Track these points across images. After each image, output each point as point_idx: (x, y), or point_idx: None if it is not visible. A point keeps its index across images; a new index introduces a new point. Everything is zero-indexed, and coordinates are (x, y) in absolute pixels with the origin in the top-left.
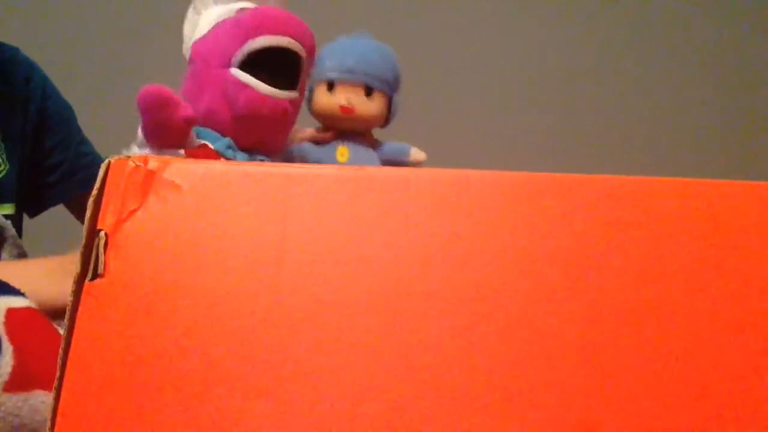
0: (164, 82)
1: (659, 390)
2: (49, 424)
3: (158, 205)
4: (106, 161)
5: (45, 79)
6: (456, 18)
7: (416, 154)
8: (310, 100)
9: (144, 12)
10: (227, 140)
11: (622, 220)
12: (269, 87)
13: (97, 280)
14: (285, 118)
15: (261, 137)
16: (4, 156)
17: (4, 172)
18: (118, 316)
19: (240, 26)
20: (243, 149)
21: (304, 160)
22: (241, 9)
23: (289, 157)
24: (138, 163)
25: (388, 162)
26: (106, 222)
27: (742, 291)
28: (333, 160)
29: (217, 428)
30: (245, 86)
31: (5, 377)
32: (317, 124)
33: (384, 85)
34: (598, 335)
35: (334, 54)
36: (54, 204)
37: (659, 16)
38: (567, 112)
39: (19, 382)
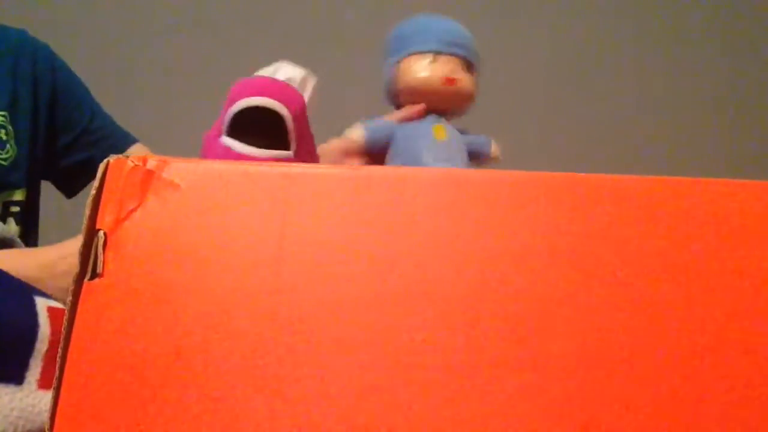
0: (163, 81)
1: (659, 390)
2: (48, 423)
3: (157, 205)
4: (105, 161)
5: (53, 55)
6: (456, 17)
7: (496, 149)
8: (393, 80)
9: (144, 13)
10: None
11: (622, 220)
12: (248, 147)
13: (96, 280)
14: None
15: None
16: (12, 141)
17: (13, 157)
18: (117, 316)
19: (228, 96)
20: None
21: (388, 136)
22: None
23: (375, 136)
24: (137, 163)
25: (471, 151)
26: (105, 221)
27: (743, 290)
28: (430, 138)
29: (217, 428)
30: (227, 149)
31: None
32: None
33: (478, 63)
34: (599, 335)
35: (428, 28)
36: (88, 180)
37: (660, 15)
38: (567, 112)
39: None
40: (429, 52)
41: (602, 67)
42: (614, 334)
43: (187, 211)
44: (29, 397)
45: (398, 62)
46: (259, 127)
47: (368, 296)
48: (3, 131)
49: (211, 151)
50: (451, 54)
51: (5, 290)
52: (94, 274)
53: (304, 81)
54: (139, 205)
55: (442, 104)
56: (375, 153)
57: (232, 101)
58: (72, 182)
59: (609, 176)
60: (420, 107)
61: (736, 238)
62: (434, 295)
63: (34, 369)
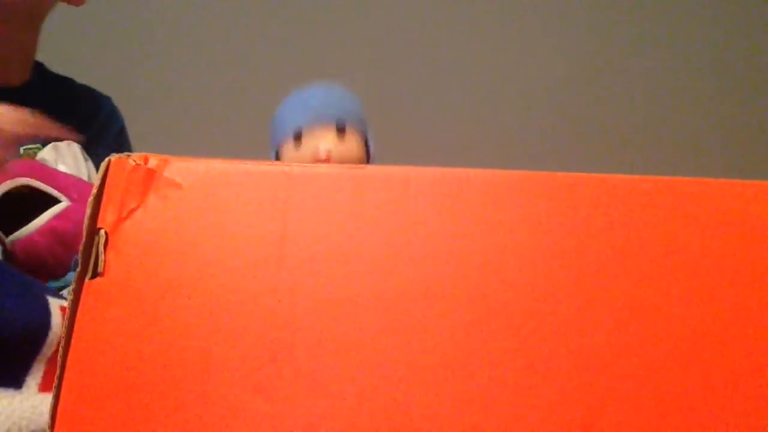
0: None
1: (660, 389)
2: (48, 423)
3: (158, 204)
4: (107, 160)
5: (122, 127)
6: (456, 17)
7: None
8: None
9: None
10: None
11: (622, 220)
12: (21, 230)
13: (97, 279)
14: (61, 236)
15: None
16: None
17: None
18: (118, 315)
19: None
20: None
21: None
22: None
23: None
24: (138, 162)
25: None
26: (106, 221)
27: (743, 290)
28: None
29: (216, 427)
30: (13, 244)
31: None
32: None
33: (356, 120)
34: (599, 334)
35: (292, 108)
36: None
37: (660, 15)
38: (567, 112)
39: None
40: (289, 137)
41: (603, 67)
42: (614, 334)
43: (188, 210)
44: (29, 401)
45: (276, 154)
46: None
47: (368, 295)
48: None
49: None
50: (318, 126)
51: (19, 288)
52: (95, 273)
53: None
54: (140, 205)
55: None
56: None
57: None
58: None
59: (609, 176)
60: None
61: (736, 238)
62: (434, 294)
63: (36, 372)
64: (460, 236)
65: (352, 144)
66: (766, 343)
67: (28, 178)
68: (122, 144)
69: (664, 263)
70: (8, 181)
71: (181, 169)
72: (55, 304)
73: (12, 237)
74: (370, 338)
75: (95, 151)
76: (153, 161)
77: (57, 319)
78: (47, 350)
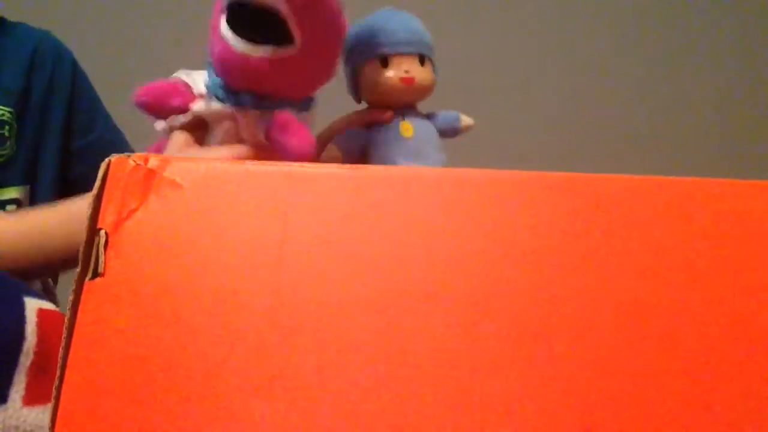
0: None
1: (660, 389)
2: (49, 423)
3: (159, 204)
4: (107, 160)
5: (75, 63)
6: (456, 16)
7: (466, 120)
8: (356, 84)
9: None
10: (219, 80)
11: (622, 220)
12: (244, 42)
13: (98, 279)
14: (261, 75)
15: (246, 86)
16: (14, 139)
17: (9, 155)
18: (119, 315)
19: None
20: (234, 91)
21: (363, 145)
22: None
23: (349, 146)
24: (138, 162)
25: (442, 131)
26: (106, 221)
27: (743, 290)
28: (399, 137)
29: (217, 428)
30: (221, 38)
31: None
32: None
33: (431, 52)
34: (599, 334)
35: (376, 30)
36: (86, 190)
37: (660, 14)
38: (567, 112)
39: (40, 394)
40: (380, 56)
41: (603, 66)
42: (614, 334)
43: (188, 210)
44: (13, 418)
45: (354, 70)
46: (267, 18)
47: (369, 295)
48: (7, 127)
49: (215, 40)
50: (403, 54)
51: None
52: (96, 274)
53: None
54: (140, 205)
55: (404, 102)
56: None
57: None
58: (73, 188)
59: (609, 176)
60: (386, 114)
61: (736, 238)
62: (435, 294)
63: (18, 385)
64: (460, 236)
65: (428, 70)
66: (766, 343)
67: (287, 6)
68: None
69: (664, 263)
70: None
71: (181, 169)
72: (33, 307)
73: (226, 34)
74: (371, 338)
75: None
76: (153, 161)
77: (32, 326)
78: (25, 360)
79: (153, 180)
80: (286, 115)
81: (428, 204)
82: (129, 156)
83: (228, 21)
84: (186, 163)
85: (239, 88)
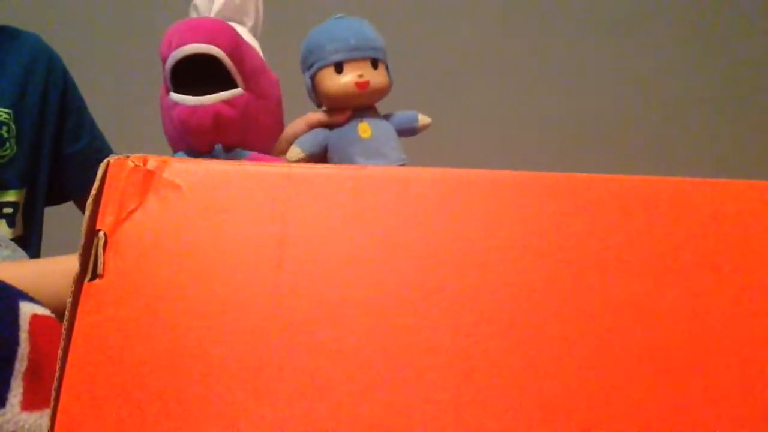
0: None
1: (660, 389)
2: (49, 424)
3: (157, 205)
4: (105, 161)
5: (65, 70)
6: (456, 16)
7: (423, 119)
8: (314, 89)
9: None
10: (181, 153)
11: (622, 220)
12: (191, 97)
13: (96, 281)
14: (222, 121)
15: (210, 140)
16: (13, 140)
17: (10, 156)
18: (118, 316)
19: (159, 50)
20: (201, 154)
21: (325, 145)
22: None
23: (312, 147)
24: (137, 163)
25: (400, 131)
26: (105, 222)
27: (742, 290)
28: (357, 139)
29: (216, 428)
30: (175, 105)
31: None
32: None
33: (384, 55)
34: (598, 334)
35: (330, 38)
36: (74, 197)
37: (660, 14)
38: (567, 112)
39: (38, 399)
40: (334, 63)
41: (603, 66)
42: (614, 334)
43: (187, 211)
44: (12, 422)
45: (312, 77)
46: (207, 68)
47: (369, 296)
48: (5, 128)
49: (165, 113)
50: (356, 59)
51: None
52: (95, 275)
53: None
54: (139, 206)
55: (361, 104)
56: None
57: (164, 54)
58: (62, 195)
59: (609, 176)
60: (343, 116)
61: (736, 238)
62: (434, 294)
63: (16, 390)
64: (460, 236)
65: (383, 73)
66: (766, 343)
67: (222, 52)
68: None
69: (664, 263)
70: (204, 45)
71: (180, 170)
72: (27, 313)
73: (176, 97)
74: (370, 339)
75: None
76: (152, 162)
77: (25, 335)
78: (20, 366)
79: (152, 181)
80: (257, 155)
81: (428, 204)
82: (128, 157)
83: (174, 89)
84: (185, 164)
85: (204, 146)
